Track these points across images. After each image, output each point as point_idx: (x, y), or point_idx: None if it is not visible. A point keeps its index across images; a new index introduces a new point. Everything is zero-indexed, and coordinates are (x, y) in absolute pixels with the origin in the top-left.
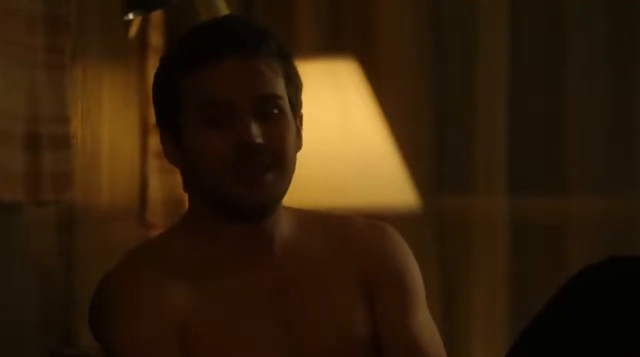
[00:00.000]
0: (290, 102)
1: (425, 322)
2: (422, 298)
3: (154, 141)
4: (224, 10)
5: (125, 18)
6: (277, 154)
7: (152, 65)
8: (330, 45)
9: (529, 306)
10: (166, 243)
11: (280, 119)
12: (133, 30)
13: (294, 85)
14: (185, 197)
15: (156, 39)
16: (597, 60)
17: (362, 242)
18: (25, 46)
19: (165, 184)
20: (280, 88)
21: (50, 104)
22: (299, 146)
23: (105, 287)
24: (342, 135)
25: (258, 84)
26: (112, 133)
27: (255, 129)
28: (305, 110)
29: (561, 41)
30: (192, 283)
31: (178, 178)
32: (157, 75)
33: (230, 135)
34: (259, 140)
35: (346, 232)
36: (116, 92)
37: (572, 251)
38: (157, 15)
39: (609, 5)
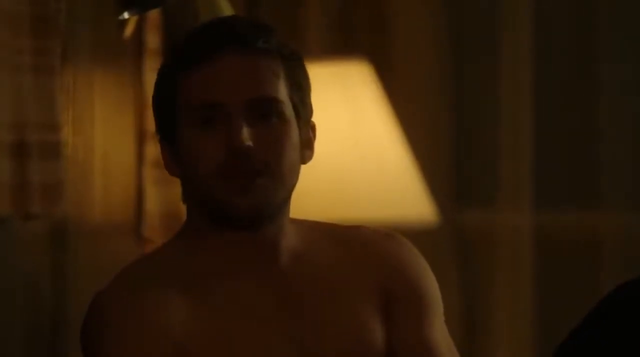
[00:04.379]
0: (295, 108)
1: (443, 336)
2: (440, 311)
3: (151, 150)
4: (226, 9)
5: (120, 17)
6: (270, 159)
7: (149, 68)
8: (341, 46)
9: (557, 329)
10: (164, 258)
11: (278, 125)
12: (128, 31)
13: (300, 89)
14: (185, 210)
15: (153, 40)
16: (632, 63)
17: (376, 252)
18: (11, 48)
19: (163, 196)
20: (281, 91)
21: (39, 110)
22: (307, 157)
23: (98, 307)
24: (354, 144)
25: (253, 84)
26: (106, 141)
27: (246, 132)
28: (314, 116)
29: (591, 42)
30: (192, 300)
31: (177, 190)
32: (156, 80)
33: (222, 137)
34: (249, 143)
35: (358, 242)
36: (110, 97)
37: (604, 270)
38: (154, 15)
39: None
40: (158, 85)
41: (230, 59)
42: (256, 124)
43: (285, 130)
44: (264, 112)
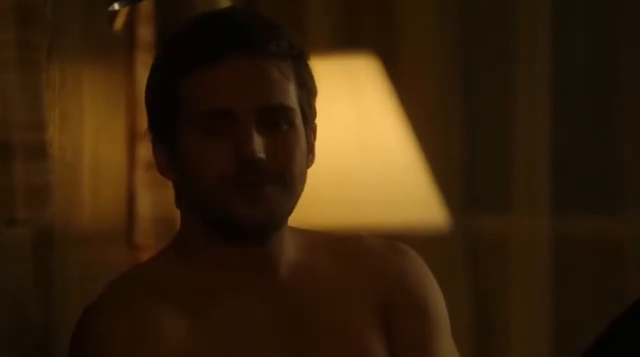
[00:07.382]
0: (302, 112)
1: (449, 351)
2: (446, 328)
3: (143, 151)
4: (224, 1)
5: (110, 9)
6: (281, 171)
7: (141, 63)
8: (346, 40)
9: (576, 341)
10: (158, 268)
11: (289, 133)
12: (119, 23)
13: (308, 91)
14: (179, 214)
15: (145, 34)
16: None
17: (377, 264)
18: None
19: (157, 200)
20: (291, 97)
21: (23, 108)
22: (310, 162)
23: (88, 321)
24: (361, 145)
25: (264, 91)
26: (95, 141)
27: (257, 142)
28: (317, 115)
29: (610, 42)
30: (188, 314)
31: (171, 193)
32: (150, 77)
33: (231, 146)
34: (261, 155)
35: (360, 254)
36: (99, 94)
37: (626, 278)
38: (146, 6)
39: None
40: (154, 84)
41: (241, 63)
42: (266, 132)
43: (296, 139)
44: (275, 119)
